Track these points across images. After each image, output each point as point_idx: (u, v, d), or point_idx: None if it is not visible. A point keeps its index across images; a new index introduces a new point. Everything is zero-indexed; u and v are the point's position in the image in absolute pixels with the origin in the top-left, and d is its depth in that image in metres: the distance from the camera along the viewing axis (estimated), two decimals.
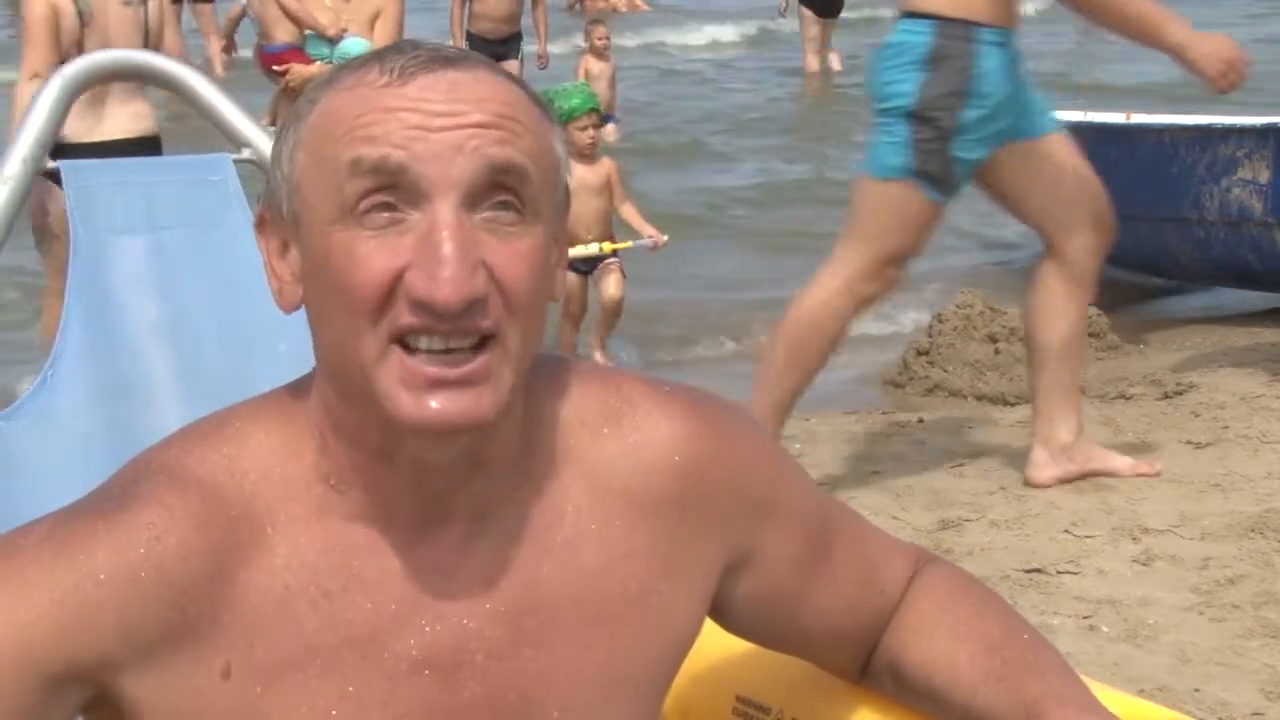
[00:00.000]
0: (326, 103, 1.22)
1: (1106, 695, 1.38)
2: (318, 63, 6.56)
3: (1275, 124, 6.54)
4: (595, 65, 10.81)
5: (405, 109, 1.18)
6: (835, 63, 14.30)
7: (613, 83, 10.98)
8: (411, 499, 1.25)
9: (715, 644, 1.46)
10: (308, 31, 6.73)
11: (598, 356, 6.71)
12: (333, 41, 6.59)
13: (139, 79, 2.07)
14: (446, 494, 1.25)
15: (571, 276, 6.63)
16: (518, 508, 1.29)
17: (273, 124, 5.47)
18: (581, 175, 6.49)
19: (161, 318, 1.95)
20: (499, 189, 1.19)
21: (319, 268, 1.20)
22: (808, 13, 14.16)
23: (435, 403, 1.17)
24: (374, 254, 1.17)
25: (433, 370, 1.17)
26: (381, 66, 1.21)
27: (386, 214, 1.17)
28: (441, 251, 1.15)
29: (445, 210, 1.17)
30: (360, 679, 1.24)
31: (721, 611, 1.42)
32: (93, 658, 1.20)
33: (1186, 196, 6.78)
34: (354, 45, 6.41)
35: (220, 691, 1.22)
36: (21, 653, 1.18)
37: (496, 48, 9.95)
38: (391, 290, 1.17)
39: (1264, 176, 6.53)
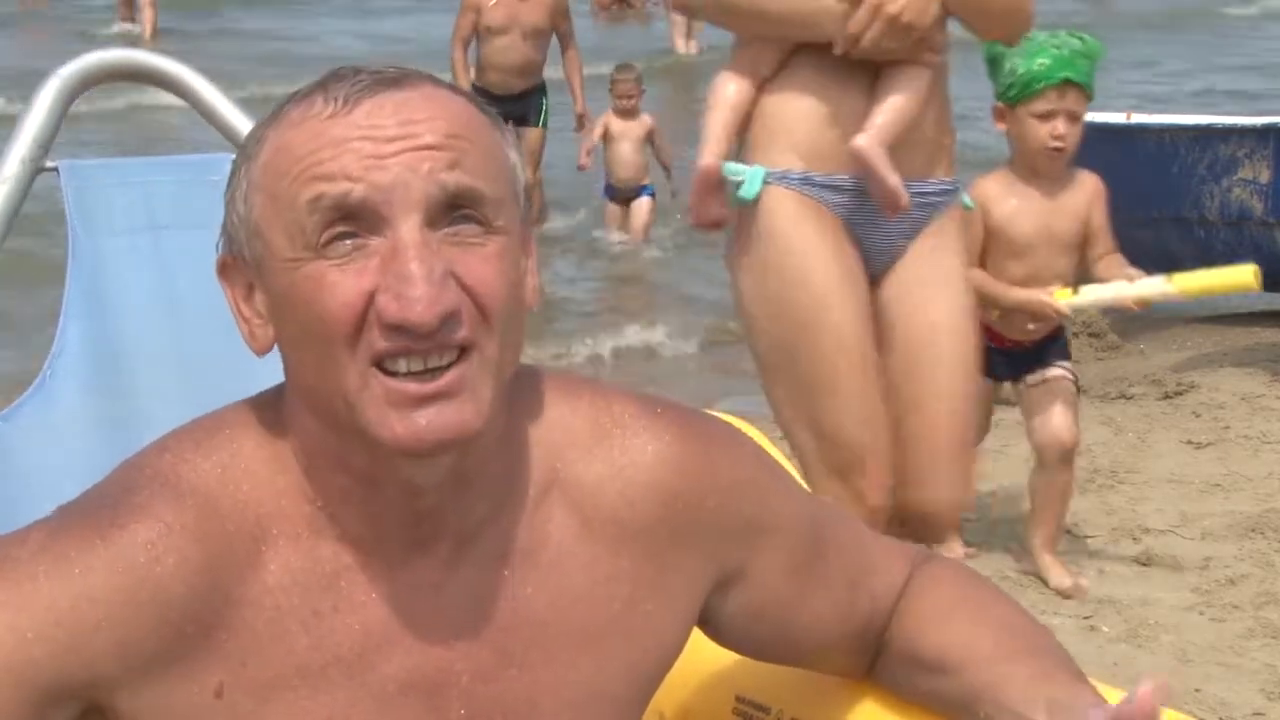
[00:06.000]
0: (275, 140, 1.22)
1: (1106, 695, 1.38)
2: None
3: (1275, 124, 6.54)
4: (618, 124, 8.44)
5: (356, 138, 1.18)
6: (691, 47, 14.56)
7: (644, 144, 8.49)
8: (400, 520, 1.25)
9: (714, 644, 1.46)
10: None
11: (1047, 564, 3.99)
12: None
13: (138, 79, 2.06)
14: (435, 514, 1.25)
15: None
16: (503, 530, 1.29)
17: None
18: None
19: (161, 317, 1.95)
20: (457, 208, 1.19)
21: (288, 304, 1.20)
22: None
23: (422, 420, 1.17)
24: (342, 281, 1.17)
25: (413, 387, 1.17)
26: (325, 96, 1.21)
27: (349, 241, 1.18)
28: (409, 270, 1.16)
29: (408, 231, 1.17)
30: (348, 700, 1.25)
31: (712, 625, 1.42)
32: (87, 676, 1.20)
33: (1187, 196, 6.78)
34: None
35: (213, 710, 1.22)
36: (15, 670, 1.18)
37: (510, 105, 7.87)
38: (364, 314, 1.17)
39: (1264, 176, 6.53)
